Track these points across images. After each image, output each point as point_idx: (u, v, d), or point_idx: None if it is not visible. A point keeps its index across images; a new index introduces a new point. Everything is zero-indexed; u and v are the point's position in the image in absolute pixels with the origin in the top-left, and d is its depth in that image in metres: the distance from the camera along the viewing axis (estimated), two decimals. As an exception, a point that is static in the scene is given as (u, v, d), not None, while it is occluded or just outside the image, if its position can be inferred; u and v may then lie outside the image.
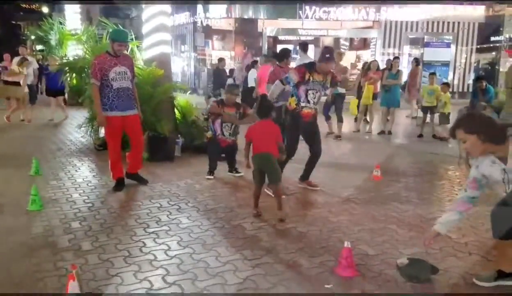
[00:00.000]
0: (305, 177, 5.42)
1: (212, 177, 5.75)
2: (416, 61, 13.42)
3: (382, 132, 9.79)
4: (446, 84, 10.11)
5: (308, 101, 5.09)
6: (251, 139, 4.42)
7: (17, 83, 10.33)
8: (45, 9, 31.27)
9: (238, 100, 6.39)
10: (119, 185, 5.16)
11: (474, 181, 2.94)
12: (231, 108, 5.82)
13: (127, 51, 5.49)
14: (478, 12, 18.89)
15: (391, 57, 12.62)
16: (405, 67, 14.01)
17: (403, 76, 10.96)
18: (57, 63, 10.74)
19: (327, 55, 5.01)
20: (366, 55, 18.84)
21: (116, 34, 5.08)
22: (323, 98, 5.62)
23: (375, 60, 11.17)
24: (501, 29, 19.53)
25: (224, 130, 5.81)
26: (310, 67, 5.12)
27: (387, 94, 9.86)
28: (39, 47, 16.37)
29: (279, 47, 18.56)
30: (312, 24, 18.86)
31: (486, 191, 3.04)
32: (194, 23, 19.97)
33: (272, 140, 4.34)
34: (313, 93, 5.08)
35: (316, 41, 19.75)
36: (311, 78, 5.04)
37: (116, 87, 4.93)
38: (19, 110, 10.58)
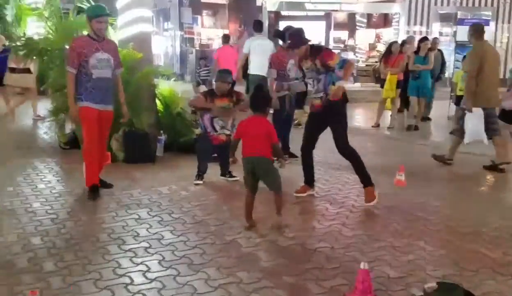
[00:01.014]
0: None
1: (201, 182, 5.75)
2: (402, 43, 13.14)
3: (409, 127, 9.79)
4: None
5: (311, 91, 5.25)
6: (241, 137, 4.43)
7: None
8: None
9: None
10: (94, 192, 5.11)
11: None
12: (223, 99, 5.78)
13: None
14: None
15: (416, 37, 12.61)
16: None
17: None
18: (3, 44, 10.68)
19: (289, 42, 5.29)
20: (388, 35, 18.82)
21: (92, 10, 5.07)
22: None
23: (396, 42, 11.11)
24: (550, 3, 19.51)
25: (216, 125, 5.78)
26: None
27: (415, 82, 9.83)
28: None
29: (282, 25, 18.60)
30: (322, -4, 18.84)
31: None
32: (180, -5, 19.93)
33: (264, 141, 4.29)
34: (310, 83, 5.21)
35: (327, 17, 19.74)
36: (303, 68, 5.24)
37: (96, 76, 4.93)
38: None
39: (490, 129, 6.60)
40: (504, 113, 7.40)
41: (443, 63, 11.58)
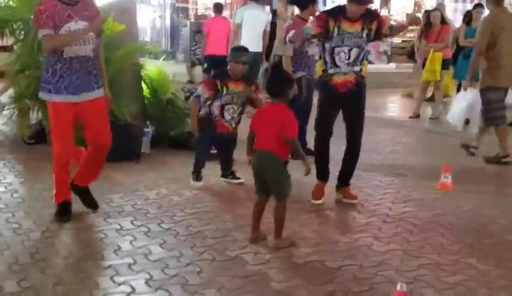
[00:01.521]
0: (342, 181, 5.46)
1: (200, 183, 5.78)
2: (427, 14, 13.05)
3: (468, 122, 9.69)
4: None
5: (338, 66, 5.14)
6: (255, 129, 4.38)
7: None
8: None
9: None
10: (64, 212, 4.80)
11: None
12: (238, 83, 5.72)
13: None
14: None
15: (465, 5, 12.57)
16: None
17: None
18: None
19: None
20: (430, 2, 18.76)
21: None
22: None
23: (436, 9, 11.06)
24: None
25: (226, 115, 5.77)
26: (334, 13, 5.15)
27: (465, 61, 9.65)
28: None
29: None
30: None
31: None
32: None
33: (277, 135, 4.19)
34: (344, 53, 5.10)
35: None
36: (337, 30, 5.06)
37: (69, 55, 4.44)
38: None
39: (494, 117, 7.03)
40: None
41: None
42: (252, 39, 9.06)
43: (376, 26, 5.13)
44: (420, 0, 19.93)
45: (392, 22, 5.85)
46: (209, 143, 5.89)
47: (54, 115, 4.59)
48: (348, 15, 5.04)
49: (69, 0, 4.41)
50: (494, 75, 6.89)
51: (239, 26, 9.71)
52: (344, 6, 5.11)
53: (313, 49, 5.43)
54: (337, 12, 5.12)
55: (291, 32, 5.48)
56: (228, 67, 5.79)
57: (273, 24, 10.81)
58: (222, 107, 5.73)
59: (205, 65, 11.39)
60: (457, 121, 7.47)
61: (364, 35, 5.11)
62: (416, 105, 10.47)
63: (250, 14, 9.74)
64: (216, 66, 10.24)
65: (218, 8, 12.33)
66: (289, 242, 4.32)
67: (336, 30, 5.05)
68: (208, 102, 5.75)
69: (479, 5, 10.48)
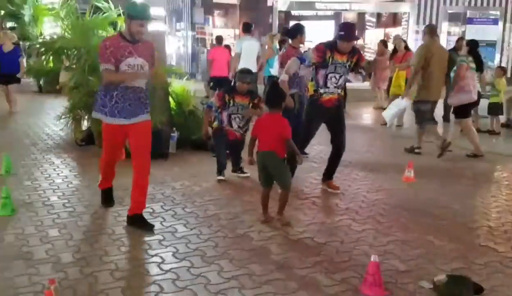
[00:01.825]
0: (327, 175, 5.45)
1: (223, 178, 5.76)
2: (384, 42, 13.14)
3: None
4: (501, 69, 9.94)
5: (328, 87, 5.11)
6: (257, 135, 4.43)
7: None
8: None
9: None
10: (108, 198, 4.77)
11: None
12: (243, 98, 5.75)
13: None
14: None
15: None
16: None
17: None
18: (13, 42, 10.76)
19: (342, 33, 5.00)
20: (397, 34, 18.71)
21: (134, 10, 4.08)
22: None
23: (398, 36, 11.02)
24: (558, 3, 19.30)
25: (233, 123, 5.79)
26: (331, 46, 5.10)
27: None
28: (9, 24, 16.44)
29: (292, 24, 18.55)
30: (332, -4, 18.77)
31: None
32: (192, -4, 19.97)
33: (278, 137, 4.28)
34: (335, 78, 5.09)
35: (336, 17, 19.65)
36: (330, 59, 5.03)
37: (125, 85, 4.12)
38: None
39: (425, 120, 7.19)
40: (455, 110, 7.68)
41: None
42: (248, 63, 9.26)
43: (356, 59, 5.10)
44: (389, 32, 19.87)
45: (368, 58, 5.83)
46: (225, 148, 5.90)
47: (106, 133, 4.35)
48: (339, 48, 5.03)
49: (132, 39, 4.09)
50: (425, 91, 7.06)
51: (239, 54, 9.93)
52: (335, 41, 5.08)
53: (305, 71, 5.40)
54: (332, 46, 5.08)
55: (288, 65, 5.44)
56: (236, 85, 5.83)
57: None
58: (229, 117, 5.77)
59: (211, 84, 11.63)
60: (389, 119, 7.52)
61: (347, 65, 5.10)
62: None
63: (246, 45, 9.99)
64: (219, 84, 10.65)
65: (219, 40, 12.69)
66: (286, 221, 4.34)
67: (330, 60, 5.04)
68: (218, 111, 5.81)
69: (461, 38, 10.46)
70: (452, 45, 12.26)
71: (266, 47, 11.88)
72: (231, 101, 5.74)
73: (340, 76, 5.09)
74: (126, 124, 4.20)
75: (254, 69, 10.06)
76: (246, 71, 6.00)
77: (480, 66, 8.36)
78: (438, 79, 7.16)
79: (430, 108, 7.16)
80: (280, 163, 4.34)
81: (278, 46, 11.20)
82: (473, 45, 8.32)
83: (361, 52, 5.36)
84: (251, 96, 5.81)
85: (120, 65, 4.05)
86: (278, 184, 4.41)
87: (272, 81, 5.60)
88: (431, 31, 7.38)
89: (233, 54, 11.22)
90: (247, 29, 10.43)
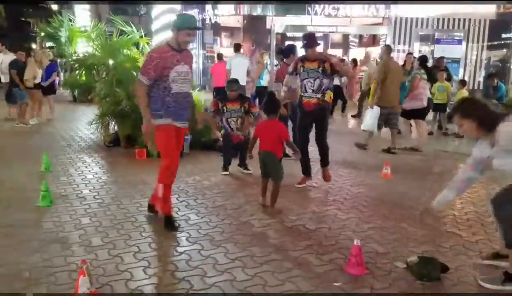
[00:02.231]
0: (322, 163, 5.44)
1: (227, 173, 5.80)
2: (354, 61, 13.23)
3: (399, 132, 9.57)
4: (462, 82, 9.95)
5: (306, 91, 5.10)
6: (258, 137, 4.53)
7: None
8: (54, 6, 31.46)
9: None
10: (171, 225, 3.91)
11: (471, 162, 3.11)
12: (234, 103, 5.90)
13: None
14: (489, 9, 18.66)
15: (399, 54, 12.50)
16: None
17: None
18: (49, 59, 10.76)
19: (305, 42, 5.06)
20: (376, 52, 18.71)
21: (181, 21, 3.83)
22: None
23: (368, 51, 11.04)
24: (512, 26, 19.27)
25: (231, 125, 5.90)
26: (302, 57, 5.20)
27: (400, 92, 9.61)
28: (48, 44, 16.46)
29: (287, 44, 18.54)
30: (321, 20, 18.75)
31: (485, 175, 3.16)
32: (203, 20, 19.96)
33: (276, 140, 4.39)
34: (310, 82, 5.07)
35: (325, 37, 19.65)
36: (302, 68, 5.08)
37: (176, 91, 3.82)
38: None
39: (390, 124, 7.50)
40: (405, 112, 7.96)
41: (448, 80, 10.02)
42: (238, 77, 9.50)
43: (328, 66, 5.03)
44: (369, 50, 19.86)
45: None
46: (230, 149, 5.95)
47: (163, 135, 3.82)
48: (307, 57, 5.09)
49: (178, 48, 3.83)
50: (383, 99, 7.32)
51: (229, 70, 10.37)
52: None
53: (295, 82, 5.38)
54: (302, 57, 5.18)
55: (286, 79, 5.45)
56: (227, 94, 5.99)
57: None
58: (227, 121, 5.93)
59: (214, 93, 11.80)
60: (370, 128, 7.54)
61: (320, 70, 5.03)
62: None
63: (235, 61, 10.42)
64: (219, 93, 10.64)
65: (219, 56, 12.90)
66: (278, 210, 4.37)
67: (302, 68, 5.08)
68: (221, 120, 6.01)
69: (410, 53, 10.44)
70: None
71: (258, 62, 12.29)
72: (225, 108, 5.91)
73: (314, 80, 5.04)
74: (177, 125, 3.90)
75: (243, 82, 10.43)
76: (232, 81, 6.12)
77: (430, 78, 8.48)
78: (395, 89, 7.44)
79: (387, 113, 7.40)
80: (276, 161, 4.43)
81: (267, 62, 11.70)
82: (422, 60, 8.37)
83: (332, 59, 5.30)
84: (241, 101, 5.97)
85: (170, 73, 3.76)
86: (272, 178, 4.43)
87: (269, 92, 5.59)
88: (388, 51, 7.70)
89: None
90: (237, 49, 10.90)
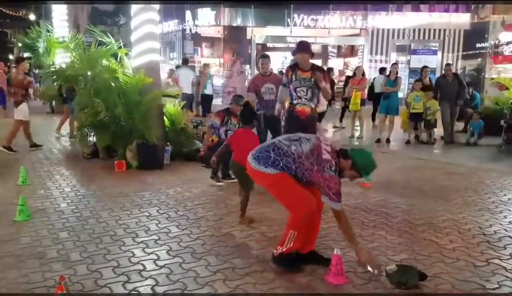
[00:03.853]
0: None
1: (222, 183, 5.79)
2: (328, 70, 13.55)
3: (378, 141, 9.69)
4: (432, 92, 10.16)
5: (300, 98, 5.11)
6: (231, 144, 4.43)
7: None
8: (32, 17, 31.02)
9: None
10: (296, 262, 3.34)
11: None
12: (236, 117, 5.78)
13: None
14: (464, 19, 19.21)
15: (377, 64, 12.75)
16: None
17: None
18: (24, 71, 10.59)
19: (296, 47, 5.13)
20: (354, 62, 19.03)
21: None
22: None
23: (360, 66, 11.27)
24: (486, 36, 19.85)
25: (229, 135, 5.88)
26: (293, 66, 5.24)
27: (385, 101, 9.72)
28: (26, 54, 16.18)
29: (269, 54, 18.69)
30: (300, 31, 18.99)
31: None
32: (183, 30, 19.99)
33: (249, 149, 4.26)
34: (303, 91, 5.10)
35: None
36: (294, 76, 5.11)
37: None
38: None
39: None
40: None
41: (460, 86, 9.64)
42: (186, 86, 11.51)
43: (319, 78, 5.08)
44: (348, 61, 20.18)
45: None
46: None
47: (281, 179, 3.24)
48: (300, 65, 5.12)
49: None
50: None
51: (177, 79, 11.99)
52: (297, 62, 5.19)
53: (287, 94, 5.38)
54: (294, 65, 5.22)
55: (280, 93, 5.53)
56: (230, 107, 5.95)
57: None
58: (226, 132, 5.89)
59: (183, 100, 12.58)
60: None
61: (313, 81, 5.09)
62: (351, 129, 10.56)
63: (183, 73, 12.12)
64: (185, 98, 11.81)
65: (185, 61, 13.84)
66: (250, 218, 4.36)
67: (294, 76, 5.11)
68: (217, 128, 5.95)
69: (395, 63, 10.57)
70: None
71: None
72: (229, 121, 5.91)
73: (307, 89, 5.09)
74: None
75: (189, 90, 12.61)
76: (240, 96, 6.11)
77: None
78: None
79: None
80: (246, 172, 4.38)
81: (249, 72, 13.85)
82: (381, 70, 8.68)
83: (326, 75, 5.34)
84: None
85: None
86: (243, 188, 4.37)
87: (244, 102, 5.62)
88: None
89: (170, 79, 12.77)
90: (185, 62, 12.36)
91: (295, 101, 5.15)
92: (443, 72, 10.59)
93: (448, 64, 10.63)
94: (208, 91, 13.10)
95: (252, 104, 5.93)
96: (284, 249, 3.25)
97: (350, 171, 3.29)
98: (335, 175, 3.16)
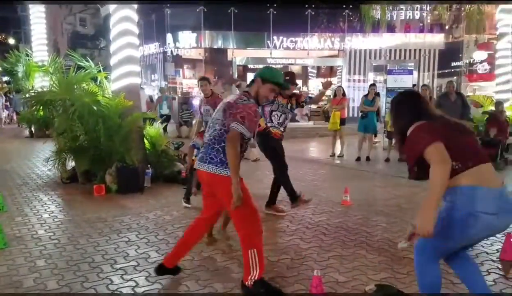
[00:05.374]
0: (270, 201, 5.48)
1: (189, 205, 5.75)
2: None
3: (358, 159, 9.78)
4: None
5: (272, 121, 5.28)
6: None
7: None
8: (11, 41, 30.78)
9: None
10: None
11: None
12: None
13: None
14: (438, 39, 19.77)
15: (355, 84, 12.93)
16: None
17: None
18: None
19: (287, 78, 5.18)
20: (334, 82, 19.31)
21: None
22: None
23: (340, 86, 11.44)
24: (460, 55, 20.44)
25: None
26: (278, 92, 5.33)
27: (363, 120, 9.85)
28: (5, 78, 16.02)
29: (249, 76, 18.84)
30: (280, 53, 19.25)
31: None
32: (164, 53, 20.06)
33: None
34: (277, 115, 5.29)
35: (285, 69, 20.12)
36: (275, 100, 5.21)
37: None
38: None
39: None
40: None
41: (464, 106, 8.92)
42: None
43: (295, 100, 5.39)
44: (329, 79, 20.47)
45: (310, 95, 5.98)
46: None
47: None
48: (282, 94, 5.22)
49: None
50: None
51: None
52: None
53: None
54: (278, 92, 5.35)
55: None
56: None
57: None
58: None
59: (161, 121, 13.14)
60: None
61: (289, 106, 5.35)
62: (332, 147, 10.64)
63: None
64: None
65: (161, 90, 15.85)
66: (213, 239, 4.43)
67: (276, 100, 5.25)
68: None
69: (373, 84, 10.70)
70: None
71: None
72: None
73: (281, 115, 5.29)
74: None
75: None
76: None
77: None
78: None
79: None
80: None
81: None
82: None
83: (299, 94, 5.64)
84: None
85: None
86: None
87: None
88: None
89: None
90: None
91: (268, 124, 5.32)
92: (444, 90, 10.02)
93: (450, 81, 9.84)
94: (164, 111, 14.61)
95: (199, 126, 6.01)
96: (256, 275, 3.12)
97: (264, 87, 3.25)
98: (249, 102, 3.16)
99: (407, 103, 2.72)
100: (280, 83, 3.33)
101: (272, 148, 5.34)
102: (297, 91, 5.73)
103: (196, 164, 3.29)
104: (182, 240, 3.51)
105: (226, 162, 3.06)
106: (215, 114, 3.30)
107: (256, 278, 3.12)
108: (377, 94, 10.29)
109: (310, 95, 5.63)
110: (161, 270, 3.48)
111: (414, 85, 10.93)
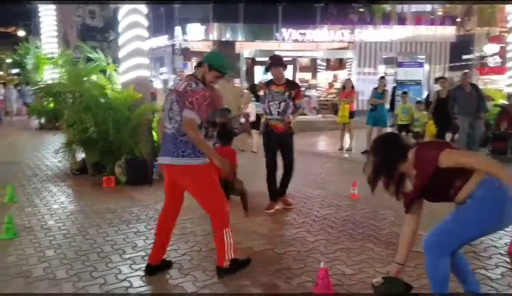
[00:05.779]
0: (280, 193, 5.40)
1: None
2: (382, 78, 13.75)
3: (366, 152, 9.75)
4: (419, 103, 10.32)
5: (271, 113, 5.17)
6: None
7: None
8: (21, 33, 30.97)
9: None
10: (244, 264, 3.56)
11: None
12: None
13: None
14: (450, 32, 19.53)
15: (365, 77, 12.86)
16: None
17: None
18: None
19: (269, 62, 5.20)
20: (343, 75, 19.18)
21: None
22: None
23: (349, 79, 11.37)
24: (471, 48, 20.20)
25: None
26: (268, 82, 5.34)
27: (373, 113, 9.79)
28: (14, 71, 16.18)
29: (257, 69, 18.83)
30: (288, 45, 19.16)
31: None
32: (173, 45, 20.09)
33: (231, 165, 4.44)
34: (275, 104, 5.13)
35: (293, 62, 20.05)
36: (267, 92, 5.19)
37: None
38: None
39: None
40: None
41: (480, 99, 8.65)
42: None
43: (294, 94, 5.15)
44: (336, 73, 20.36)
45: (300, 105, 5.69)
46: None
47: (211, 173, 3.37)
48: (274, 80, 5.19)
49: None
50: None
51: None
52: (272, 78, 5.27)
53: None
54: (269, 81, 5.31)
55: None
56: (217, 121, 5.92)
57: None
58: (213, 145, 5.81)
59: None
60: None
61: (286, 94, 5.13)
62: (340, 141, 10.60)
63: None
64: None
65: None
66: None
67: (268, 91, 5.18)
68: None
69: (382, 77, 10.62)
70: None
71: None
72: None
73: (280, 103, 5.11)
74: None
75: None
76: (226, 109, 6.12)
77: None
78: None
79: None
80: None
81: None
82: None
83: (301, 90, 5.43)
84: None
85: None
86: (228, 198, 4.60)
87: (222, 121, 5.64)
88: None
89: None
90: None
91: (268, 117, 5.24)
92: (458, 82, 9.74)
93: (465, 73, 9.58)
94: None
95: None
96: (231, 254, 3.37)
97: (210, 74, 3.36)
98: (197, 87, 3.25)
99: (394, 144, 3.00)
100: (224, 72, 3.46)
101: (266, 145, 5.28)
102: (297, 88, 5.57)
103: (163, 159, 3.34)
104: (157, 239, 3.53)
105: (197, 150, 3.22)
106: (170, 105, 3.33)
107: (232, 256, 3.37)
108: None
109: (300, 104, 5.37)
110: (149, 269, 3.49)
111: (382, 77, 10.84)
